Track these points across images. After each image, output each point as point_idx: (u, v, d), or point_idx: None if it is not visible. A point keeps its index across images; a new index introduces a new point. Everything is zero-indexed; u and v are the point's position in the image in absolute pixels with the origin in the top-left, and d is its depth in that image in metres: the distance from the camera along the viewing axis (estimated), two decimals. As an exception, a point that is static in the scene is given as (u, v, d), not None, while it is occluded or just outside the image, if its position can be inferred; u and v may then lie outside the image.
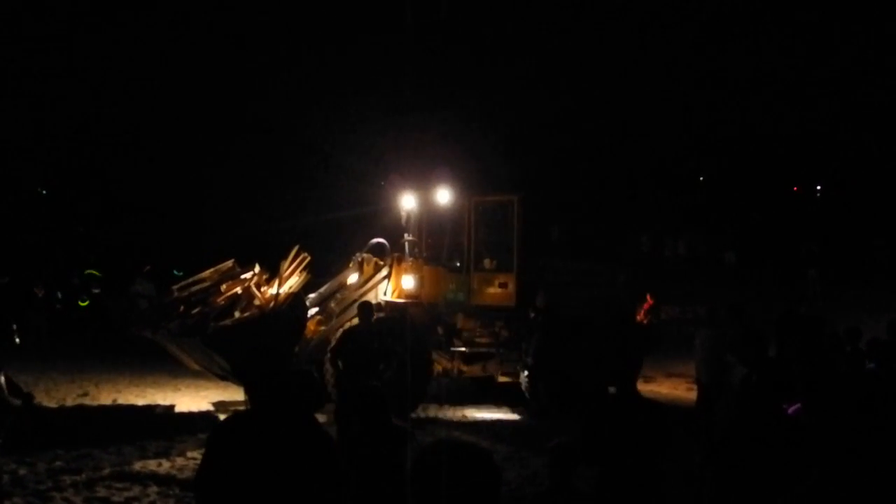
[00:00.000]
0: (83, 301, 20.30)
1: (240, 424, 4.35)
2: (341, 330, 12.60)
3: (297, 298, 13.30)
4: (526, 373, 14.22)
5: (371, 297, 14.51)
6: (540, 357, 13.95)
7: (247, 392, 12.16)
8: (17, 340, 18.56)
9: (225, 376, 12.94)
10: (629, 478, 5.32)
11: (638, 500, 5.29)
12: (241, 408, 12.23)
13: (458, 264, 14.93)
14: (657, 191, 39.40)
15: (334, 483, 4.23)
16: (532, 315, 14.30)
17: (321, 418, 11.17)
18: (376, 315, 14.03)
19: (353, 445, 5.21)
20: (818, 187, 46.01)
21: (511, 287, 14.82)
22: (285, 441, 4.16)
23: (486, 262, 15.01)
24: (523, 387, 14.57)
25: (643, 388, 16.51)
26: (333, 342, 12.11)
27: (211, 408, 13.91)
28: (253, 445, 4.10)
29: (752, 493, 5.33)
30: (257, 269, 13.76)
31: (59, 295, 22.64)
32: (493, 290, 14.85)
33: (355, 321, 11.93)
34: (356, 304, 12.44)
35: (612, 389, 6.01)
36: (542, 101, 36.13)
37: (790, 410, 5.99)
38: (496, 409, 14.64)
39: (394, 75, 34.61)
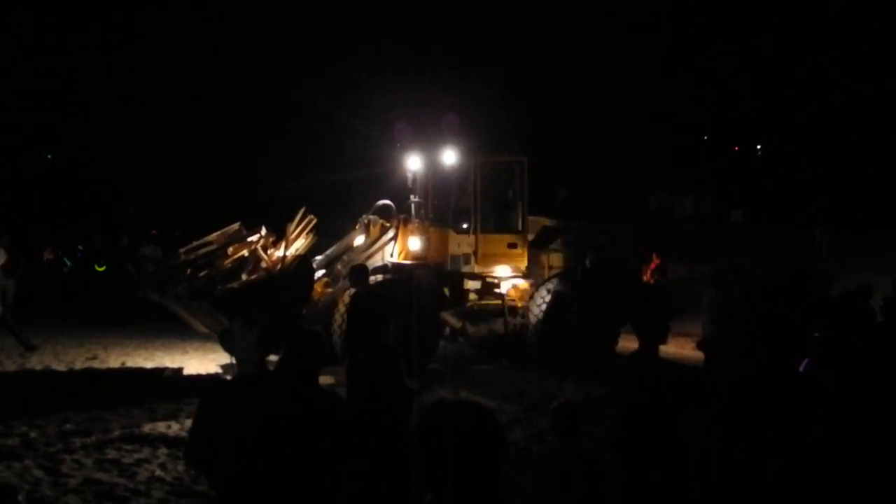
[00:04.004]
0: (100, 266, 20.33)
1: (238, 388, 4.34)
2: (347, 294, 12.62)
3: (303, 261, 13.31)
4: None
5: (377, 259, 14.56)
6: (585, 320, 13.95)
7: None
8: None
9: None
10: (648, 440, 5.31)
11: (658, 461, 5.28)
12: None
13: (465, 225, 14.90)
14: (663, 150, 39.27)
15: (341, 441, 4.24)
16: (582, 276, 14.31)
17: (329, 380, 11.31)
18: (384, 277, 14.12)
19: (360, 405, 5.22)
20: (758, 146, 45.86)
21: (522, 247, 14.82)
22: (293, 401, 4.16)
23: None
24: (531, 345, 14.61)
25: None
26: (343, 307, 12.18)
27: (219, 370, 13.96)
28: (256, 408, 4.10)
29: (760, 449, 5.34)
30: (264, 231, 13.76)
31: (67, 261, 22.69)
32: (502, 250, 14.83)
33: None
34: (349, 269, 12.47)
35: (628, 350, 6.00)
36: (548, 61, 35.92)
37: (801, 366, 5.99)
38: (503, 370, 14.67)
39: (400, 34, 34.41)
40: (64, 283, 21.55)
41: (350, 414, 5.01)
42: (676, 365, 5.87)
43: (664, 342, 5.64)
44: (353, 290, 11.27)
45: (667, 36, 39.24)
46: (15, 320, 15.30)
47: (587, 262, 14.08)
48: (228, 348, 12.19)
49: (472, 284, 14.91)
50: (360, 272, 11.10)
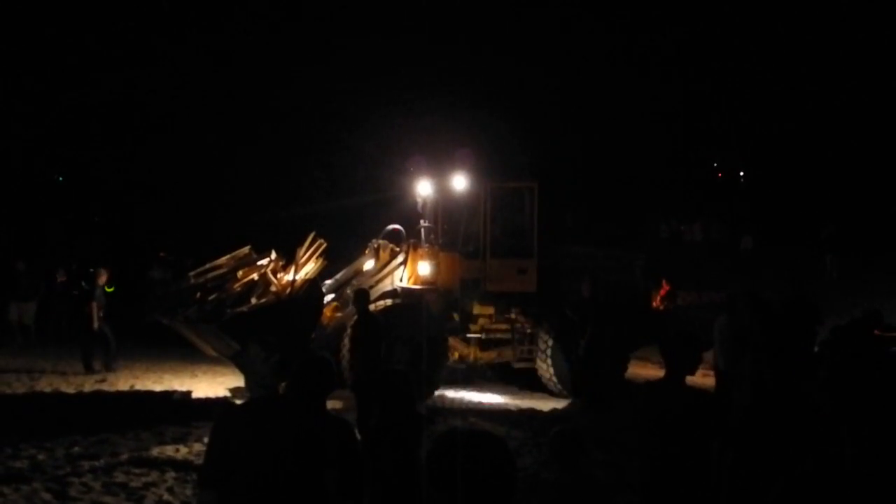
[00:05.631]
0: (109, 288, 20.39)
1: (250, 412, 4.33)
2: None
3: (313, 285, 13.32)
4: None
5: (387, 284, 14.57)
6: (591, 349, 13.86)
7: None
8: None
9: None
10: (674, 466, 5.23)
11: (683, 489, 5.21)
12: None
13: (472, 250, 14.89)
14: (673, 176, 39.35)
15: (354, 469, 4.22)
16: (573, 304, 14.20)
17: (337, 405, 11.29)
18: (393, 301, 14.14)
19: (373, 431, 5.20)
20: (741, 173, 45.82)
21: (532, 273, 14.81)
22: (302, 426, 4.15)
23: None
24: (542, 373, 14.60)
25: (660, 374, 16.49)
26: (350, 330, 12.20)
27: (228, 394, 13.96)
28: (268, 432, 4.09)
29: (768, 475, 5.32)
30: (273, 255, 13.78)
31: (84, 283, 22.76)
32: (512, 275, 14.82)
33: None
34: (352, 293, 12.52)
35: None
36: (559, 88, 36.03)
37: None
38: (512, 396, 14.65)
39: (411, 61, 34.57)
40: (76, 306, 21.59)
41: (361, 439, 5.00)
42: (702, 393, 5.74)
43: (693, 374, 5.48)
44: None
45: (673, 60, 39.35)
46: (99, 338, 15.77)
47: (584, 291, 14.00)
48: (243, 370, 12.23)
49: (481, 310, 14.90)
50: (358, 296, 11.15)
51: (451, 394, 14.39)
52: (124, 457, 9.66)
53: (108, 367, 15.66)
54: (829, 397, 5.93)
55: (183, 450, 10.13)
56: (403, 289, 14.60)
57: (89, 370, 15.37)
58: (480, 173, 14.95)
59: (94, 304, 15.61)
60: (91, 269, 23.08)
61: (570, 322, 14.10)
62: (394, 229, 15.39)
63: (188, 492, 8.38)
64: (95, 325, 15.55)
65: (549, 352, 14.42)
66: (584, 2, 38.44)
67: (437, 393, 13.90)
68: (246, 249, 13.92)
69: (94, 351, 15.71)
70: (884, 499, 5.69)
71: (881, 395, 6.10)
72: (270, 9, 37.24)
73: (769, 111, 39.83)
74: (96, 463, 9.36)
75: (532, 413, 13.08)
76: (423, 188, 15.58)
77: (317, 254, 14.14)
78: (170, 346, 16.80)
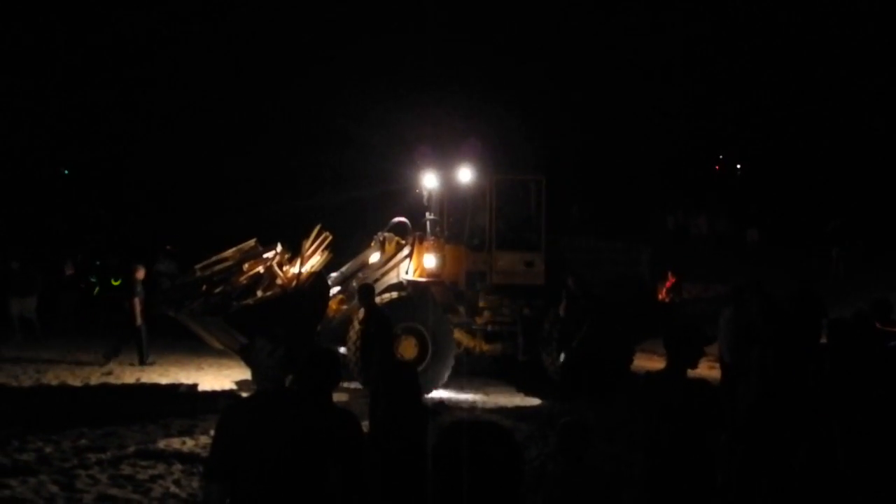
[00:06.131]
0: (116, 280, 20.41)
1: (256, 405, 4.33)
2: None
3: (319, 278, 13.32)
4: (563, 356, 14.12)
5: (393, 277, 14.58)
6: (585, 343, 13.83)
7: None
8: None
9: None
10: (675, 458, 5.22)
11: (685, 480, 5.20)
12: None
13: (478, 242, 14.88)
14: (679, 168, 39.29)
15: (360, 461, 4.22)
16: (567, 297, 14.15)
17: (342, 397, 11.30)
18: (399, 294, 14.14)
19: (379, 423, 5.21)
20: (738, 166, 45.71)
21: (539, 265, 14.79)
22: (308, 419, 4.16)
23: None
24: (546, 366, 14.57)
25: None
26: (358, 325, 12.20)
27: (234, 386, 13.97)
28: (274, 425, 4.09)
29: (777, 467, 5.31)
30: (279, 248, 13.76)
31: (93, 278, 22.83)
32: (519, 268, 14.79)
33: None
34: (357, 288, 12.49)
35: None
36: (565, 80, 35.98)
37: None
38: (518, 388, 14.64)
39: (417, 53, 34.54)
40: (83, 299, 21.63)
41: (368, 431, 5.00)
42: (703, 383, 5.72)
43: (694, 367, 5.47)
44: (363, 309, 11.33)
45: (679, 52, 39.29)
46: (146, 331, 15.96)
47: (570, 285, 13.98)
48: (250, 363, 12.22)
49: (486, 302, 14.90)
50: (364, 291, 11.14)
51: (457, 387, 14.37)
52: (131, 449, 9.69)
53: (143, 362, 15.71)
54: (824, 393, 5.92)
55: (189, 442, 10.16)
56: (409, 281, 14.60)
57: (108, 360, 15.42)
58: (486, 166, 14.93)
59: (136, 300, 15.63)
60: (98, 262, 23.19)
61: (564, 318, 14.11)
62: (399, 222, 15.38)
63: (195, 484, 8.40)
64: (138, 321, 15.60)
65: (553, 344, 14.39)
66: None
67: (442, 385, 13.90)
68: (252, 242, 13.90)
69: (124, 347, 15.75)
70: (874, 496, 5.68)
71: (878, 391, 6.09)
72: (278, 2, 37.24)
73: (775, 104, 39.76)
74: (103, 455, 9.38)
75: (538, 406, 13.07)
76: (429, 180, 15.55)
77: (322, 246, 14.12)
78: (176, 339, 16.81)
